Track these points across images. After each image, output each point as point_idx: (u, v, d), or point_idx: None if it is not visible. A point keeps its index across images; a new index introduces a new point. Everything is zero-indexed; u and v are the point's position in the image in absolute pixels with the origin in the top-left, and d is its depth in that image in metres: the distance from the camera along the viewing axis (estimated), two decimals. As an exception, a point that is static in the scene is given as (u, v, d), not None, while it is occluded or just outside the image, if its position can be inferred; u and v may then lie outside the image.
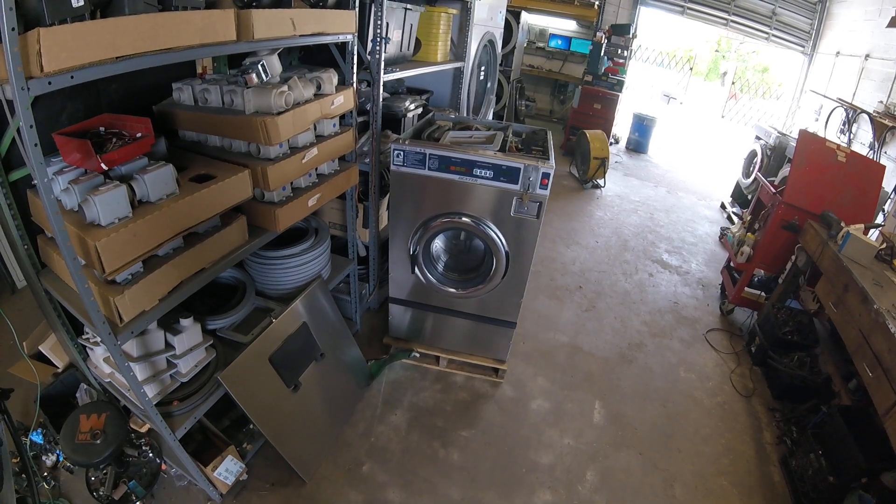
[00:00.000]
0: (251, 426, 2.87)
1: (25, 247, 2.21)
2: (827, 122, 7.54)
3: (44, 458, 2.65)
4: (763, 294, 4.68)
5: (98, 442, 2.26)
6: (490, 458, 3.10)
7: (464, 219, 3.06)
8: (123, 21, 1.62)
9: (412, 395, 3.46)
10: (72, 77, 1.50)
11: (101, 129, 1.99)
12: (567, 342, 4.23)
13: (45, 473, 2.60)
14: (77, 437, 2.26)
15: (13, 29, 1.34)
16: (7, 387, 2.16)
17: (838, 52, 8.26)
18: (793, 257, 4.23)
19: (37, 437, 2.65)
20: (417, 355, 3.69)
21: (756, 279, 4.75)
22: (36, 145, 1.48)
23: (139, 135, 1.98)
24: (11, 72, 1.36)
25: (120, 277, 1.88)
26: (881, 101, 6.39)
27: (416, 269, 3.31)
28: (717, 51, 22.93)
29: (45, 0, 1.46)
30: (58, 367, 2.75)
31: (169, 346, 2.27)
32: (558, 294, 4.91)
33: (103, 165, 1.81)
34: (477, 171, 2.89)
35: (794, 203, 4.22)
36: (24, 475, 2.24)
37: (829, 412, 3.21)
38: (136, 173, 1.92)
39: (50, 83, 1.46)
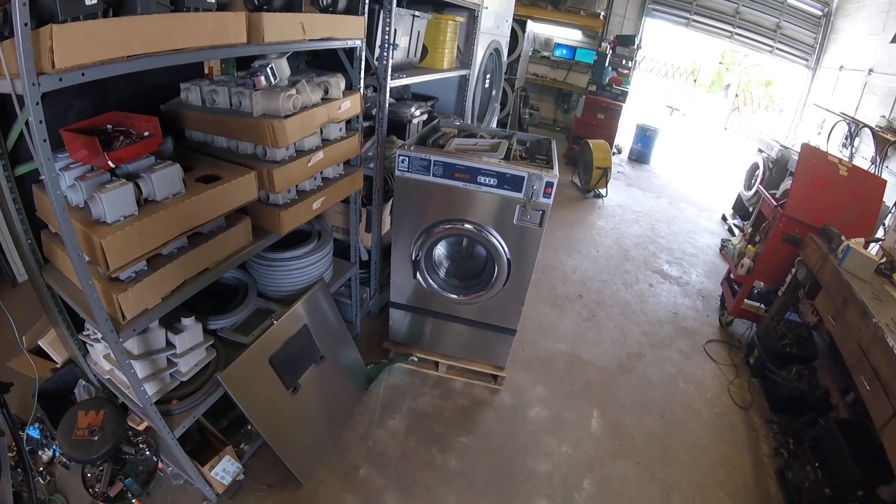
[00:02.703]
0: (249, 427, 2.87)
1: (29, 241, 2.21)
2: (829, 136, 7.56)
3: (40, 452, 2.65)
4: (762, 306, 4.69)
5: (96, 439, 2.25)
6: (487, 464, 3.10)
7: (466, 225, 3.07)
8: (136, 20, 1.63)
9: (411, 400, 3.45)
10: (83, 74, 1.51)
11: (109, 126, 1.99)
12: (567, 351, 4.23)
13: (41, 468, 2.60)
14: (75, 433, 2.26)
15: (26, 24, 1.35)
16: (5, 380, 2.17)
17: (842, 67, 8.30)
18: (793, 270, 4.23)
19: (34, 432, 2.65)
20: (416, 359, 3.69)
21: (756, 291, 4.76)
22: (45, 141, 1.48)
23: (147, 133, 1.98)
24: (23, 67, 1.37)
25: (124, 275, 1.89)
26: (883, 116, 6.43)
27: (418, 275, 3.32)
28: (720, 63, 22.98)
29: (58, -4, 1.46)
30: (56, 363, 2.75)
31: (170, 344, 2.28)
32: (559, 302, 4.92)
33: (110, 163, 1.81)
34: (481, 179, 2.90)
35: (795, 216, 4.23)
36: (20, 469, 2.25)
37: (826, 425, 3.21)
38: (142, 172, 1.93)
39: (61, 80, 1.46)
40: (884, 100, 6.70)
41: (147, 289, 1.94)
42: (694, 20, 10.15)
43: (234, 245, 2.37)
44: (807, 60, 9.68)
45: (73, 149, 1.90)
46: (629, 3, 10.42)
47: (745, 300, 4.74)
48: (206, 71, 2.94)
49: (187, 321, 2.29)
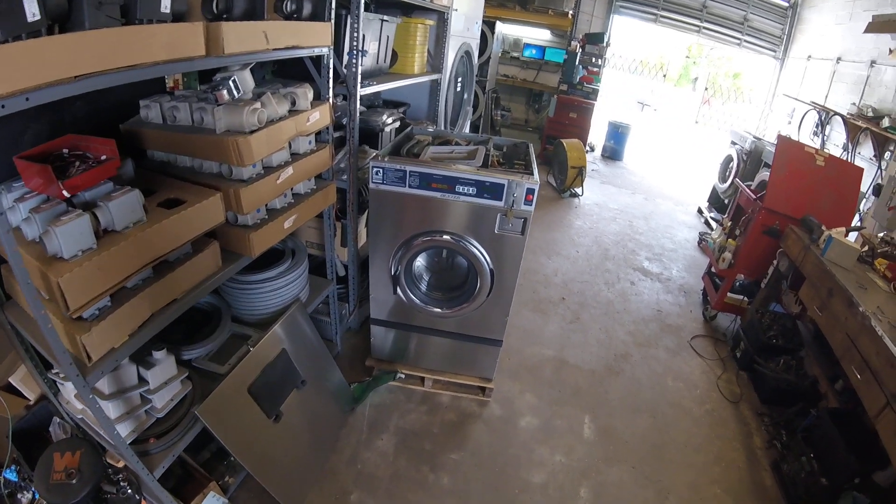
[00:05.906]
0: (233, 458, 2.75)
1: (-11, 278, 2.08)
2: (800, 125, 7.63)
3: (19, 496, 2.50)
4: (745, 299, 4.68)
5: (74, 482, 2.12)
6: (481, 479, 3.02)
7: (446, 237, 2.98)
8: (83, 36, 1.50)
9: (398, 418, 3.35)
10: (27, 99, 1.38)
11: (65, 150, 1.87)
12: (553, 356, 4.17)
13: (22, 512, 2.47)
14: (52, 476, 2.13)
15: (-39, 49, 1.23)
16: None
17: (810, 56, 8.38)
18: (774, 262, 4.23)
19: (10, 475, 2.51)
20: (402, 376, 3.58)
21: (738, 284, 4.75)
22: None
23: (104, 157, 1.86)
24: (-40, 95, 1.25)
25: (86, 313, 1.76)
26: (853, 103, 6.49)
27: (399, 290, 3.22)
28: (687, 57, 23.26)
29: (-5, 16, 1.34)
30: (30, 400, 2.61)
31: (142, 380, 2.15)
32: (542, 307, 4.86)
33: (65, 192, 1.69)
34: (459, 188, 2.82)
35: (774, 208, 4.23)
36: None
37: (818, 415, 3.22)
38: (100, 200, 1.81)
39: (3, 106, 1.34)
40: (853, 87, 6.77)
41: (112, 326, 1.82)
42: (662, 16, 10.19)
43: (204, 272, 2.25)
44: (775, 51, 9.78)
45: (27, 177, 1.78)
46: (597, 0, 10.43)
47: (728, 293, 4.72)
48: (171, 85, 2.81)
49: (159, 354, 2.17)
